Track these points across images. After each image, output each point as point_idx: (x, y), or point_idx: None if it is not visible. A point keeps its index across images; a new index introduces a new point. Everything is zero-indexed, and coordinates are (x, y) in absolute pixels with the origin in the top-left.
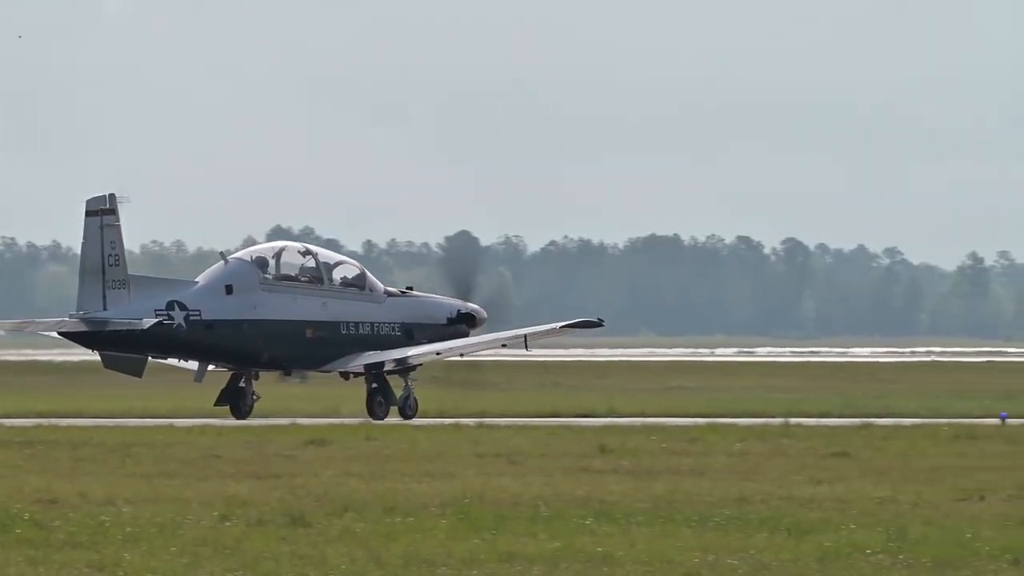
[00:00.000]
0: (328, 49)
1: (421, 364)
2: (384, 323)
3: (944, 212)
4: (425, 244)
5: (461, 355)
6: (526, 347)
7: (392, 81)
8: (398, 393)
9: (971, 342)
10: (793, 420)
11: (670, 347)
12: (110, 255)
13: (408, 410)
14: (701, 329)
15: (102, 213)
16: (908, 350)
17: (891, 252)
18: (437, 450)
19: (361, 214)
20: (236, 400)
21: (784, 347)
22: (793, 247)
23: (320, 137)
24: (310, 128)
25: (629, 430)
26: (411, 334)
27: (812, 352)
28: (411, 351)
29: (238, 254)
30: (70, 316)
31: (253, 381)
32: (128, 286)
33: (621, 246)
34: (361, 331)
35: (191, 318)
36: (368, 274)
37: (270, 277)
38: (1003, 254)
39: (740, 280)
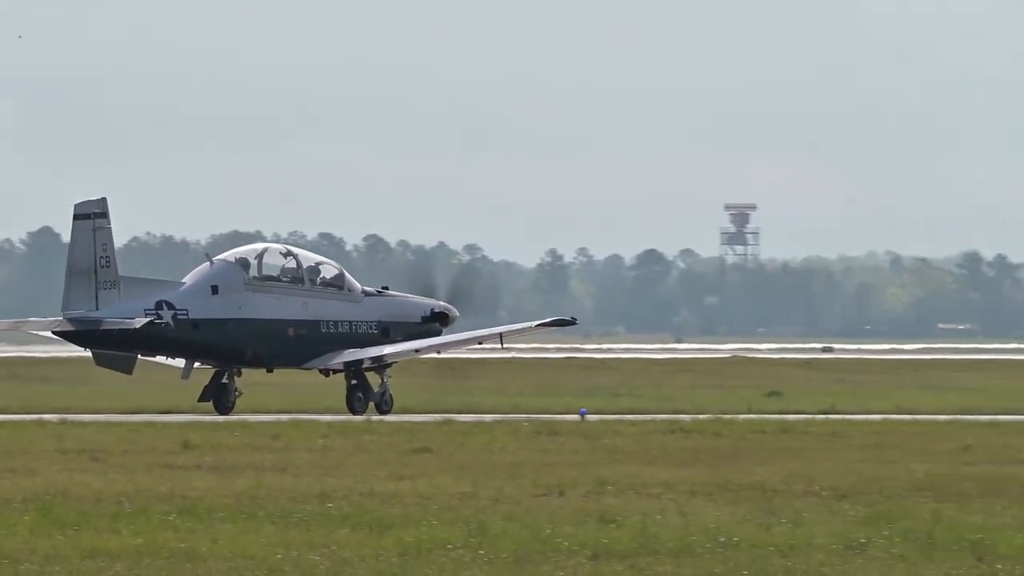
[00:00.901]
0: None
1: (398, 361)
2: (362, 322)
3: (524, 209)
4: (8, 240)
5: (438, 352)
6: (501, 344)
7: None
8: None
9: (550, 338)
10: (375, 416)
11: None
12: (102, 256)
13: (384, 405)
14: None
15: (94, 216)
16: (489, 346)
17: (471, 248)
18: (20, 446)
19: None
20: (219, 396)
21: None
22: (375, 243)
23: None
24: None
25: (213, 426)
26: (387, 332)
27: None
28: (390, 348)
29: (222, 255)
30: (63, 316)
31: (236, 378)
32: (119, 287)
33: (204, 243)
34: (340, 330)
35: (179, 317)
36: (347, 274)
37: (253, 277)
38: (581, 251)
39: None
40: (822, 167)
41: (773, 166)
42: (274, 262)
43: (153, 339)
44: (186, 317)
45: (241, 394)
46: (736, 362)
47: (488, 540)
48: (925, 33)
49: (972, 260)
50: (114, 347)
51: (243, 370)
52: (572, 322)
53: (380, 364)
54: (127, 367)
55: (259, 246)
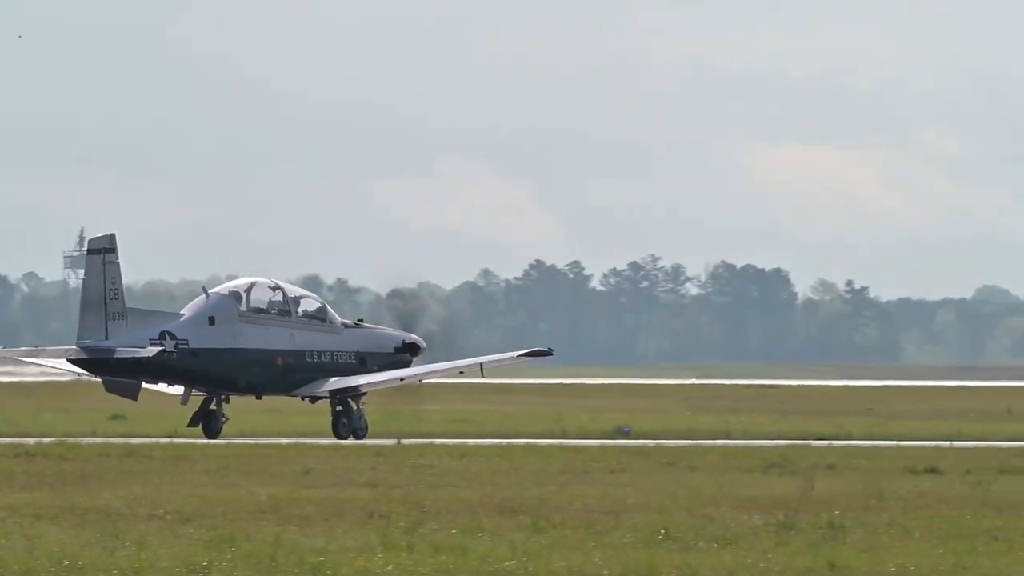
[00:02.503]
0: None
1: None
2: (342, 352)
3: None
4: None
5: (420, 381)
6: (482, 373)
7: None
8: None
9: None
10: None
11: None
12: (111, 289)
13: (359, 431)
14: None
15: (104, 251)
16: None
17: None
18: None
19: None
20: (208, 421)
21: None
22: None
23: None
24: None
25: None
26: (364, 362)
27: None
28: (376, 378)
29: (217, 289)
30: (77, 344)
31: (223, 404)
32: (126, 317)
33: None
34: (323, 359)
35: (180, 346)
36: (328, 308)
37: (244, 310)
38: None
39: None
40: (170, 190)
41: (123, 189)
42: (262, 295)
43: (160, 367)
44: (187, 346)
45: (228, 420)
46: (81, 385)
47: None
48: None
49: (313, 284)
50: (125, 374)
51: (231, 397)
52: (549, 352)
53: (357, 392)
54: (133, 393)
55: (248, 280)
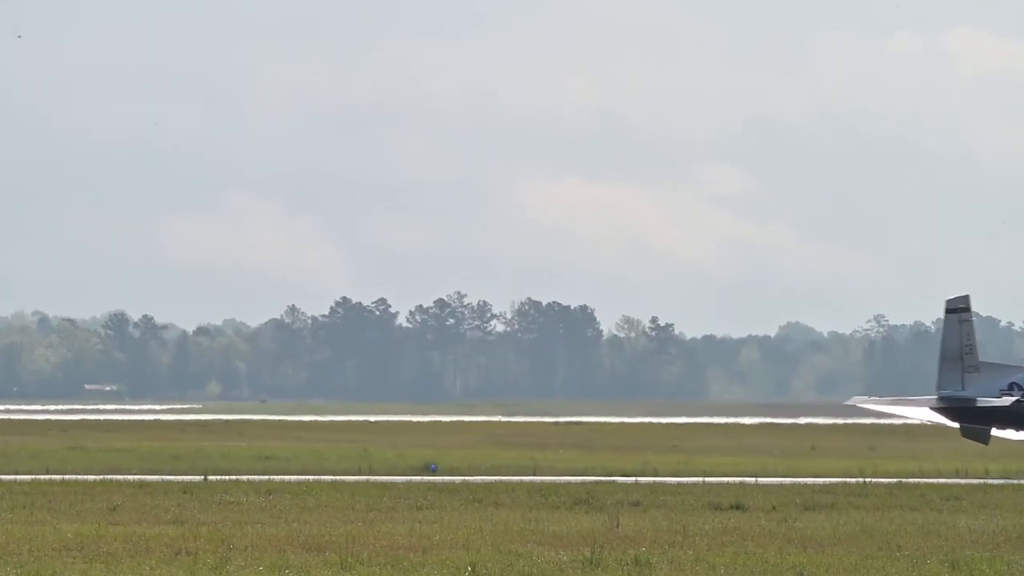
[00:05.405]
0: None
1: None
2: None
3: None
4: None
5: None
6: None
7: None
8: None
9: None
10: None
11: None
12: (966, 344)
13: None
14: None
15: (959, 311)
16: None
17: None
18: None
19: None
20: None
21: None
22: None
23: None
24: None
25: None
26: None
27: None
28: None
29: None
30: (937, 394)
31: None
32: (979, 370)
33: None
34: None
35: None
36: None
37: None
38: None
39: None
40: None
41: None
42: None
43: (1013, 415)
44: None
45: None
46: None
47: None
48: None
49: (119, 321)
50: (981, 421)
51: None
52: None
53: None
54: (985, 438)
55: None
